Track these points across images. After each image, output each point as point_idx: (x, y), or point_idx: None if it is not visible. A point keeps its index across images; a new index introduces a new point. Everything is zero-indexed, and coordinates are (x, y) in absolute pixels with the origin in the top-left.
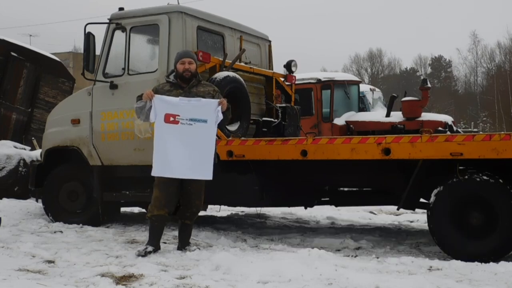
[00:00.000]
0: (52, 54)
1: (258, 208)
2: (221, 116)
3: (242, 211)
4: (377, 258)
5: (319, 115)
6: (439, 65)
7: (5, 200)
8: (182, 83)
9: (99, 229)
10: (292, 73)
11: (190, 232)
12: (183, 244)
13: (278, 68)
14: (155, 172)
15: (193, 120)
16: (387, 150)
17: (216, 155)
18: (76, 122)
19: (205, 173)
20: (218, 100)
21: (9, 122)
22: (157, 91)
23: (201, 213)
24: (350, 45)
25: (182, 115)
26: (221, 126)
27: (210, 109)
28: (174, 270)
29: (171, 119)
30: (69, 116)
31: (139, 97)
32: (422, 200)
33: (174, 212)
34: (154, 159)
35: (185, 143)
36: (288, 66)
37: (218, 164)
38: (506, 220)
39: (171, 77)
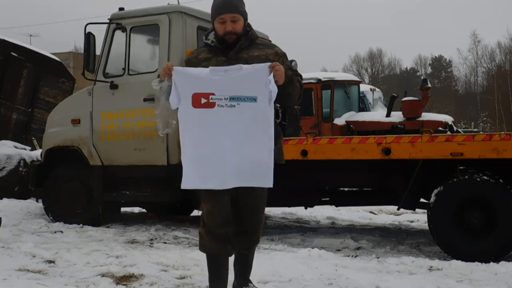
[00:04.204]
0: (52, 54)
1: None
2: (275, 90)
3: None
4: (377, 258)
5: (319, 115)
6: (439, 65)
7: (5, 200)
8: (226, 48)
9: (99, 229)
10: None
11: (250, 264)
12: (241, 281)
13: None
14: (186, 183)
15: (235, 99)
16: (387, 150)
17: (281, 151)
18: (76, 122)
19: (262, 178)
20: (268, 64)
21: (9, 122)
22: (189, 61)
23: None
24: (350, 45)
25: (219, 93)
26: (284, 105)
27: (260, 79)
28: (174, 270)
29: (203, 100)
30: (69, 116)
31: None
32: (422, 200)
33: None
34: (183, 163)
35: (227, 134)
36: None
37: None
38: (506, 220)
39: (211, 37)
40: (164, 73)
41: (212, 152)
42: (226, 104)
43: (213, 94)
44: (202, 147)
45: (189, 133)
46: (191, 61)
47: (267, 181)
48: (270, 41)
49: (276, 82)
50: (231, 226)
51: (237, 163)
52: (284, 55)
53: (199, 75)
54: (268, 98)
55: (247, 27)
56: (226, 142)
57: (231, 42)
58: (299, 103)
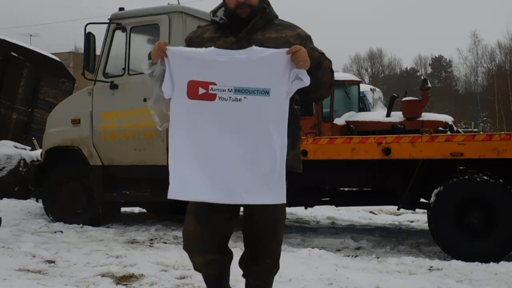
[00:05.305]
0: (52, 54)
1: None
2: (305, 80)
3: (242, 211)
4: (378, 258)
5: (319, 115)
6: (440, 65)
7: (5, 200)
8: (236, 26)
9: (99, 229)
10: None
11: None
12: None
13: None
14: (173, 192)
15: (242, 91)
16: (387, 150)
17: (298, 158)
18: (76, 122)
19: (272, 191)
20: (286, 49)
21: (9, 122)
22: (191, 40)
23: None
24: (350, 45)
25: (221, 82)
26: (314, 96)
27: (275, 67)
28: (174, 270)
29: (201, 91)
30: (69, 116)
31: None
32: (422, 200)
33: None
34: (170, 167)
35: (228, 135)
36: None
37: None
38: (506, 220)
39: (219, 14)
40: (156, 54)
41: (209, 157)
42: (230, 97)
43: (213, 83)
44: (196, 150)
45: (181, 131)
46: (194, 40)
47: (280, 196)
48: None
49: (299, 66)
50: (221, 245)
51: (241, 173)
52: (308, 38)
53: (197, 56)
54: (286, 90)
55: (265, 3)
56: (227, 145)
57: (244, 17)
58: (330, 93)
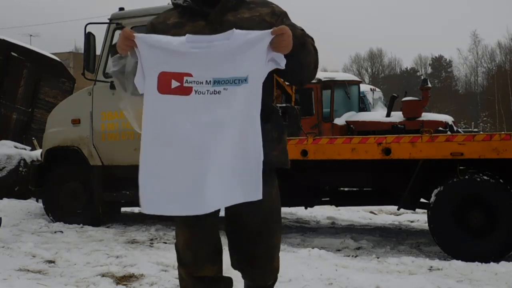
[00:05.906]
0: (52, 54)
1: None
2: (281, 63)
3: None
4: (378, 258)
5: (319, 115)
6: (440, 65)
7: (5, 200)
8: (204, 7)
9: (99, 229)
10: None
11: None
12: None
13: None
14: (147, 205)
15: (221, 82)
16: (387, 150)
17: (285, 153)
18: (76, 122)
19: (251, 190)
20: (270, 30)
21: (9, 122)
22: (153, 26)
23: None
24: (350, 45)
25: (198, 73)
26: (296, 80)
27: (256, 51)
28: (174, 270)
29: (174, 84)
30: (69, 116)
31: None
32: (422, 200)
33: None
34: (140, 175)
35: (207, 134)
36: None
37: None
38: (507, 220)
39: None
40: (123, 45)
41: (185, 161)
42: (208, 91)
43: (189, 74)
44: (170, 153)
45: (153, 131)
46: (157, 27)
47: (256, 193)
48: None
49: (279, 51)
50: (220, 259)
51: (222, 176)
52: (283, 14)
53: (169, 45)
54: (262, 74)
55: None
56: (205, 146)
57: None
58: (315, 74)
